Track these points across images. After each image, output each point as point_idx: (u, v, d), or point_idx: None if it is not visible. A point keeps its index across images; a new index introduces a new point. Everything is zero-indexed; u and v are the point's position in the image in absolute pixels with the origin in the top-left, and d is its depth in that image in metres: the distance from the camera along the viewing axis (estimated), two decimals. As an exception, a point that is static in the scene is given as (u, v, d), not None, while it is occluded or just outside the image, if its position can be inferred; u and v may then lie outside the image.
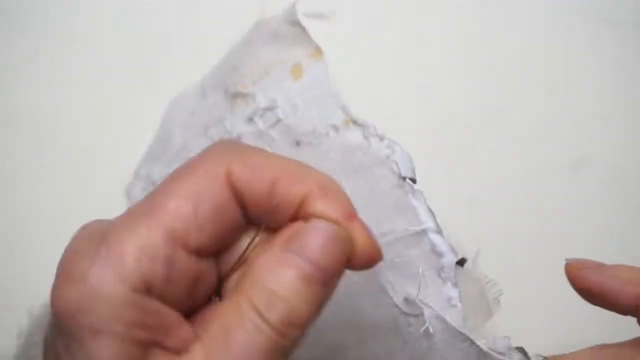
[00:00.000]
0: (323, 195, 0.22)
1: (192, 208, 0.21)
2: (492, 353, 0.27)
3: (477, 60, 0.44)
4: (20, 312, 0.39)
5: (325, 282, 0.22)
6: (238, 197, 0.22)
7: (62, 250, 0.36)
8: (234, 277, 0.23)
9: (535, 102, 0.43)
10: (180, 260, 0.21)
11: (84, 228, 0.24)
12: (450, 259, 0.27)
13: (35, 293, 0.40)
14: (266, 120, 0.32)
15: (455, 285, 0.27)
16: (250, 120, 0.32)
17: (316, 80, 0.31)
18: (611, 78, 0.43)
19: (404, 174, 0.28)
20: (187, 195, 0.22)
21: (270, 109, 0.32)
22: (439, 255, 0.27)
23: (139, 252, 0.21)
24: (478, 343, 0.27)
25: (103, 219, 0.25)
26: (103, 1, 0.43)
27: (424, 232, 0.28)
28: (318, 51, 0.32)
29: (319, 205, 0.22)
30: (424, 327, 0.28)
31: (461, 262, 0.28)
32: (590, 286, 0.29)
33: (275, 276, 0.21)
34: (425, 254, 0.28)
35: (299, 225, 0.22)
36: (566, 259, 0.30)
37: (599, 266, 0.29)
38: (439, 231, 0.28)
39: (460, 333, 0.27)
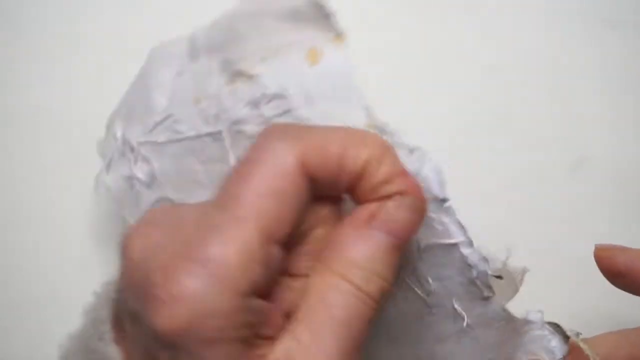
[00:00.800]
0: (383, 161, 0.24)
1: (276, 205, 0.22)
2: (531, 327, 0.27)
3: (476, 60, 0.44)
4: (20, 312, 0.39)
5: (402, 250, 0.25)
6: (311, 182, 0.23)
7: (62, 250, 0.35)
8: (302, 252, 0.24)
9: (534, 103, 0.43)
10: (273, 256, 0.23)
11: (143, 235, 0.23)
12: (483, 268, 0.27)
13: (35, 293, 0.40)
14: (274, 107, 0.29)
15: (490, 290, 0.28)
16: (255, 105, 0.30)
17: (336, 69, 0.28)
18: (611, 78, 0.43)
19: (434, 192, 0.27)
20: (268, 193, 0.22)
21: (279, 96, 0.29)
22: (472, 266, 0.27)
23: (241, 258, 0.21)
24: (514, 318, 0.28)
25: (157, 210, 0.25)
26: (104, 1, 0.43)
27: (455, 245, 0.27)
28: (341, 37, 0.29)
29: (385, 172, 0.24)
30: (453, 305, 0.28)
31: (499, 277, 0.28)
32: (618, 267, 0.30)
33: (368, 253, 0.24)
34: (458, 266, 0.28)
35: (379, 204, 0.24)
36: (596, 245, 0.31)
37: (627, 249, 0.30)
38: (470, 243, 0.27)
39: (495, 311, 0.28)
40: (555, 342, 0.27)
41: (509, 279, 0.30)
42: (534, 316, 0.27)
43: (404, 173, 0.25)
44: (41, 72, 0.42)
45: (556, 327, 0.28)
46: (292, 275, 0.24)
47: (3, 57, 0.42)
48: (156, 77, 0.34)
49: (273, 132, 0.24)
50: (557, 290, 0.38)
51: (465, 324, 0.28)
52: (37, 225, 0.40)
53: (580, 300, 0.34)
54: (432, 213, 0.27)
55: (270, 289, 0.23)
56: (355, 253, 0.24)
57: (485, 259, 0.27)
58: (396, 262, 0.24)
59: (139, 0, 0.42)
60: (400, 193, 0.24)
